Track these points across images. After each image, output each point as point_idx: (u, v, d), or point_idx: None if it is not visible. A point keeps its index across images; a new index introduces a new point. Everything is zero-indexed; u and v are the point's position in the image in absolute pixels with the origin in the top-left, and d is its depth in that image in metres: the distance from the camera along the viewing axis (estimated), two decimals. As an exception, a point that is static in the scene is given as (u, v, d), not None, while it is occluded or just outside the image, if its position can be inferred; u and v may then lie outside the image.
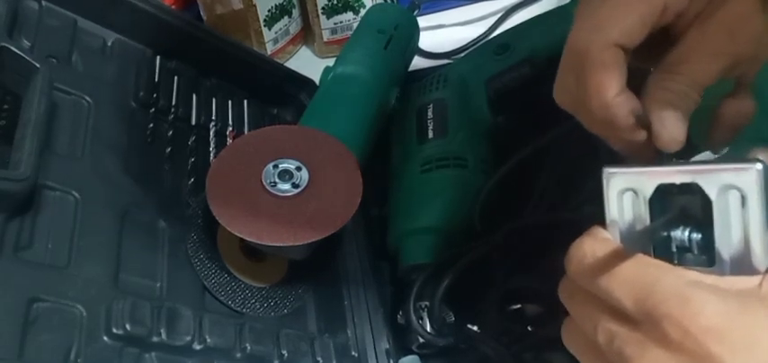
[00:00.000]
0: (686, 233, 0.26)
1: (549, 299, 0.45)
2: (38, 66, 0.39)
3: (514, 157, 0.49)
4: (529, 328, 0.46)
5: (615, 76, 0.28)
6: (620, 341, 0.25)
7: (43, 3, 0.45)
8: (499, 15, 0.74)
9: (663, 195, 0.26)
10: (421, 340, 0.46)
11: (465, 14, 0.76)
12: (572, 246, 0.28)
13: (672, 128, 0.28)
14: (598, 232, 0.27)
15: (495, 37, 0.61)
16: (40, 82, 0.39)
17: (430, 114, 0.55)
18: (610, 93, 0.28)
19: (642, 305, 0.24)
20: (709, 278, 0.24)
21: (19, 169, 0.35)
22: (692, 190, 0.26)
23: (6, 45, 0.39)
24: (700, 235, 0.26)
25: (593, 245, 0.27)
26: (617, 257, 0.26)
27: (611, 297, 0.25)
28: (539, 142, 0.49)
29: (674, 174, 0.26)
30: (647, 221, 0.27)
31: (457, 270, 0.45)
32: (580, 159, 0.48)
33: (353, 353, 0.47)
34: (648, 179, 0.26)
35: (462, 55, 0.66)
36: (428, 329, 0.46)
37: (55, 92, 0.41)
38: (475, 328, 0.45)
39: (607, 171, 0.27)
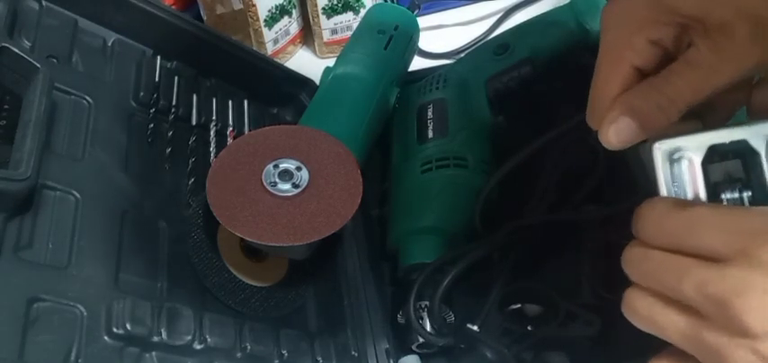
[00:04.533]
0: (736, 192, 0.28)
1: (549, 299, 0.45)
2: (38, 66, 0.39)
3: (514, 157, 0.49)
4: (529, 328, 0.46)
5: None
6: (715, 285, 0.25)
7: (43, 3, 0.45)
8: (499, 15, 0.74)
9: (704, 164, 0.28)
10: (421, 339, 0.46)
11: (465, 14, 0.76)
12: (642, 209, 0.28)
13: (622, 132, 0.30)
14: (661, 197, 0.28)
15: (495, 37, 0.61)
16: (41, 82, 0.39)
17: (430, 114, 0.55)
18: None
19: (734, 243, 0.25)
20: None
21: (19, 169, 0.35)
22: (730, 155, 0.28)
23: (7, 45, 0.39)
24: (750, 192, 0.27)
25: (666, 203, 0.28)
26: (694, 208, 0.27)
27: (699, 244, 0.26)
28: (539, 142, 0.49)
29: (723, 135, 0.28)
30: (700, 184, 0.28)
31: (457, 269, 0.45)
32: (580, 159, 0.49)
33: (353, 353, 0.47)
34: (699, 142, 0.28)
35: (462, 55, 0.66)
36: (428, 329, 0.46)
37: (55, 92, 0.41)
38: (475, 328, 0.45)
39: (656, 143, 0.29)
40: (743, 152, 0.28)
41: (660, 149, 0.29)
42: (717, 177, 0.28)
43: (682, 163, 0.28)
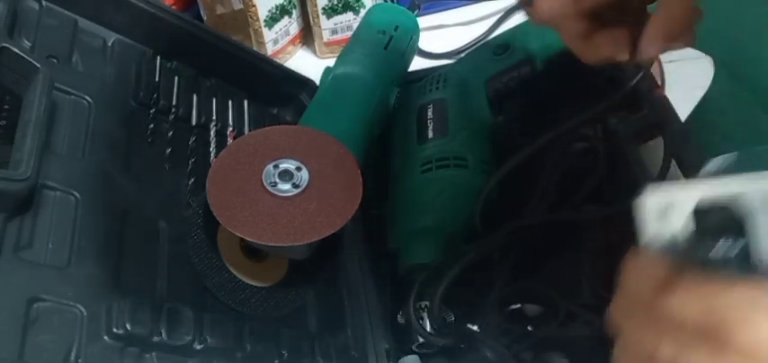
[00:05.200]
0: (729, 241, 0.26)
1: (549, 299, 0.46)
2: (38, 66, 0.39)
3: (514, 157, 0.49)
4: (529, 328, 0.46)
5: None
6: (687, 357, 0.24)
7: (43, 3, 0.45)
8: (499, 15, 0.74)
9: (696, 212, 0.27)
10: (421, 339, 0.46)
11: (465, 15, 0.76)
12: (629, 265, 0.28)
13: None
14: (649, 250, 0.27)
15: (495, 37, 0.61)
16: (41, 82, 0.39)
17: (430, 114, 0.55)
18: None
19: (711, 317, 0.24)
20: None
21: (19, 169, 0.35)
22: (721, 204, 0.26)
23: (7, 45, 0.39)
24: (738, 249, 0.26)
25: (653, 263, 0.27)
26: (680, 272, 0.26)
27: (677, 313, 0.25)
28: (539, 142, 0.49)
29: (715, 187, 0.26)
30: (690, 236, 0.27)
31: (457, 269, 0.45)
32: (580, 159, 0.49)
33: (353, 353, 0.47)
34: (689, 193, 0.27)
35: (462, 55, 0.66)
36: (428, 329, 0.46)
37: (55, 92, 0.41)
38: (475, 328, 0.45)
39: (646, 190, 0.28)
40: (738, 199, 0.26)
41: (649, 199, 0.28)
42: (711, 224, 0.27)
43: (671, 214, 0.27)
